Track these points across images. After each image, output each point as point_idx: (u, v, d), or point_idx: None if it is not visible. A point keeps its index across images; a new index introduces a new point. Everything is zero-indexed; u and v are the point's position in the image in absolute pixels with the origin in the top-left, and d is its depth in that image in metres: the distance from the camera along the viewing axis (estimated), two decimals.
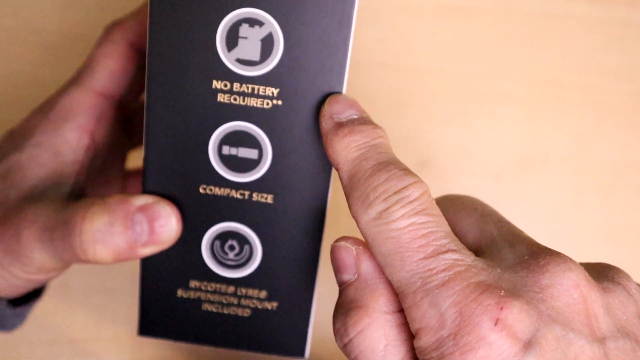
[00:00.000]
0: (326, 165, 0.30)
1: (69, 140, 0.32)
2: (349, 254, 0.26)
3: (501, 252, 0.25)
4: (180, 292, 0.32)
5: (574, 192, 0.45)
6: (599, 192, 0.45)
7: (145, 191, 0.30)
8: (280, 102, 0.29)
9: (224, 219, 0.31)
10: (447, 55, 0.45)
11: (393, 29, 0.44)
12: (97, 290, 0.44)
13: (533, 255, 0.24)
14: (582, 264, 0.25)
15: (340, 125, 0.27)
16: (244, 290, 0.32)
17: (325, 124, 0.28)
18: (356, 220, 0.26)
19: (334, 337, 0.26)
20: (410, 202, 0.25)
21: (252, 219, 0.30)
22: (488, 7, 0.44)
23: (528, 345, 0.22)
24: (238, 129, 0.29)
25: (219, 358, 0.43)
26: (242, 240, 0.31)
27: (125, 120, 0.37)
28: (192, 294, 0.32)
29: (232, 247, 0.31)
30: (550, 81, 0.45)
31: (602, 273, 0.26)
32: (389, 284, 0.25)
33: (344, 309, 0.26)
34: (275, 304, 0.32)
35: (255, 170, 0.30)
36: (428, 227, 0.24)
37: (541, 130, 0.45)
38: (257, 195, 0.30)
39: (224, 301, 0.32)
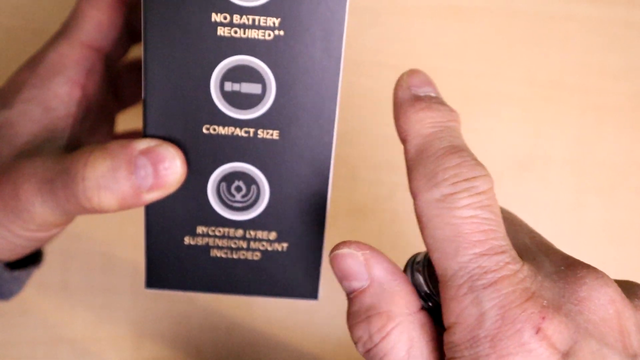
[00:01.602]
0: (332, 96, 0.29)
1: (60, 94, 0.31)
2: (356, 260, 0.26)
3: (537, 260, 0.25)
4: (187, 240, 0.31)
5: (574, 193, 0.45)
6: (599, 193, 0.45)
7: (147, 134, 0.29)
8: (282, 33, 0.28)
9: (230, 159, 0.30)
10: (447, 56, 0.45)
11: (393, 29, 0.44)
12: (97, 290, 0.44)
13: (570, 267, 0.24)
14: None
15: (417, 98, 0.27)
16: (252, 233, 0.31)
17: (402, 93, 0.27)
18: (414, 197, 0.25)
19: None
20: (478, 193, 0.24)
21: (258, 158, 0.30)
22: (488, 8, 0.44)
23: (566, 356, 0.22)
24: (240, 63, 0.28)
25: (218, 357, 0.43)
26: (249, 180, 0.30)
27: (113, 80, 0.36)
28: (200, 240, 0.31)
29: (238, 189, 0.30)
30: (551, 82, 0.45)
31: (630, 290, 0.26)
32: (405, 284, 0.25)
33: (363, 317, 0.25)
34: (285, 245, 0.31)
35: (259, 106, 0.29)
36: (490, 224, 0.24)
37: (542, 131, 0.45)
38: (263, 132, 0.29)
39: (233, 245, 0.31)
